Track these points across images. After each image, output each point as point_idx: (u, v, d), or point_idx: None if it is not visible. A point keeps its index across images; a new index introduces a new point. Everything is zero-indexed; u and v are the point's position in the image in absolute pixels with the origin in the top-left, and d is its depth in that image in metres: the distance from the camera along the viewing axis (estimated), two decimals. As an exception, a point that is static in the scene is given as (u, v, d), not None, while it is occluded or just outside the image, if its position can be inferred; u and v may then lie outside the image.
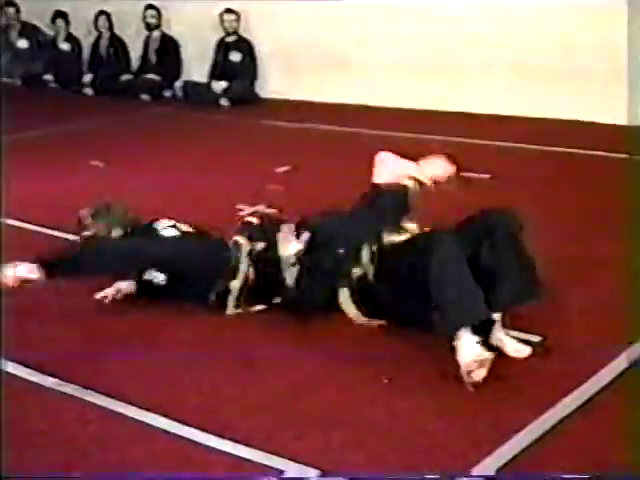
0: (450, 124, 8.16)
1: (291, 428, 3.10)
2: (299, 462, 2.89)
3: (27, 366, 3.61)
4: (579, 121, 7.98)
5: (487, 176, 6.20)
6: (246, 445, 2.99)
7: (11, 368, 3.61)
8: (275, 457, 2.93)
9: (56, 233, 5.33)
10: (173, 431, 3.12)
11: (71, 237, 5.17)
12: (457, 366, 3.32)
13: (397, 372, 3.46)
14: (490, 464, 2.84)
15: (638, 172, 6.17)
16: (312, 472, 2.84)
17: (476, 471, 2.80)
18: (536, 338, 3.69)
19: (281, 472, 2.86)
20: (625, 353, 3.51)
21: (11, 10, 11.71)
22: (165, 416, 3.20)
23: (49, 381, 3.49)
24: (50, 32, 11.59)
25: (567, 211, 5.49)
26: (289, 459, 2.91)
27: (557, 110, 8.13)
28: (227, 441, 3.04)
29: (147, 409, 3.25)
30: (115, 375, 3.56)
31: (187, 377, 3.52)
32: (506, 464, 2.84)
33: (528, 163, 6.83)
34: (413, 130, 7.90)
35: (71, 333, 3.96)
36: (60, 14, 11.35)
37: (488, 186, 5.91)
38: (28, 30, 11.74)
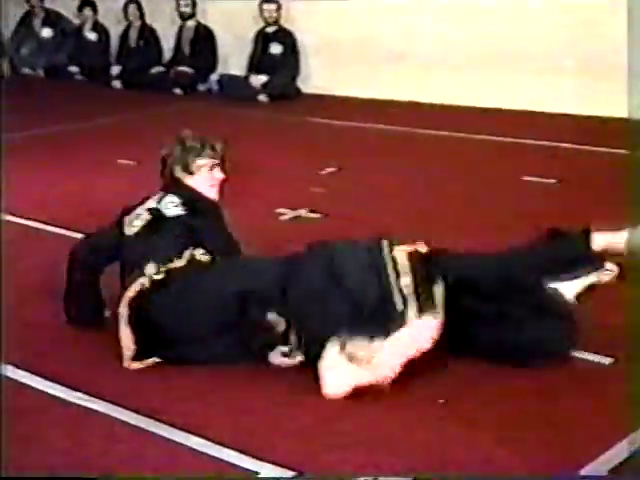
0: (507, 123, 8.12)
1: (335, 451, 3.07)
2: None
3: (49, 379, 3.63)
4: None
5: (553, 181, 6.17)
6: (287, 468, 2.98)
7: (32, 381, 3.63)
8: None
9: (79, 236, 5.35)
10: (207, 451, 3.12)
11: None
12: (521, 388, 3.32)
13: (453, 394, 3.43)
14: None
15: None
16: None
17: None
18: (607, 360, 3.64)
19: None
20: None
21: (33, -5, 11.85)
22: (199, 435, 3.20)
23: (73, 396, 3.50)
24: (76, 21, 11.70)
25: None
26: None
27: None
28: (265, 464, 3.03)
29: (180, 428, 3.25)
30: (145, 390, 3.56)
31: (222, 394, 3.52)
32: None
33: (595, 166, 6.75)
34: (468, 130, 7.88)
35: (97, 345, 3.96)
36: (87, 2, 11.46)
37: (554, 192, 5.87)
38: (52, 18, 11.87)
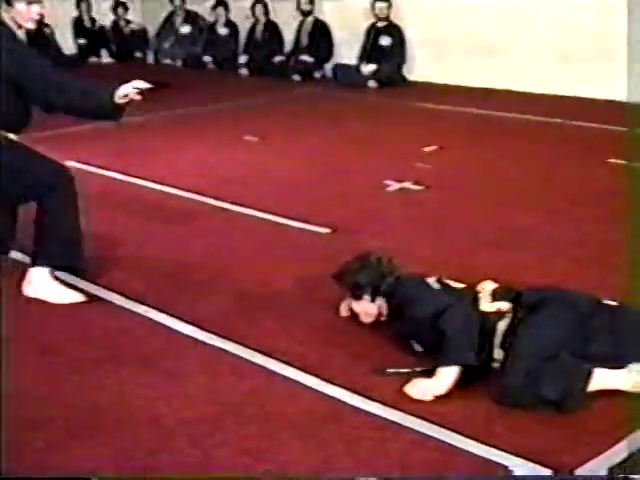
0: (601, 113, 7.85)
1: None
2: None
3: (187, 322, 3.66)
4: None
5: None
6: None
7: (171, 323, 3.67)
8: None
9: (209, 201, 5.40)
10: (321, 389, 3.10)
11: (215, 203, 5.28)
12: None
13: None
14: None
15: None
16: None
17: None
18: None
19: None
20: None
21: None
22: (316, 375, 3.19)
23: (206, 336, 3.53)
24: (210, 18, 11.80)
25: None
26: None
27: None
28: (373, 402, 3.00)
29: (299, 368, 3.25)
30: (270, 333, 3.55)
31: (340, 338, 3.49)
32: None
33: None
34: (559, 116, 7.67)
35: (227, 292, 3.99)
36: (221, 2, 11.56)
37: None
38: (191, 17, 12.02)
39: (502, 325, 3.15)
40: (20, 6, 3.82)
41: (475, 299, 3.24)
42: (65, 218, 3.90)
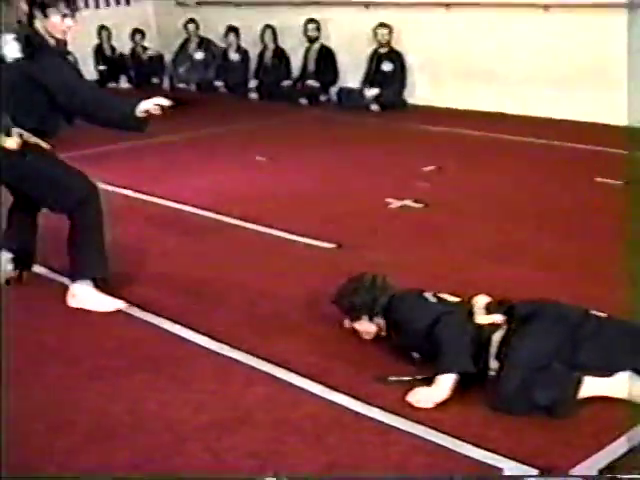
0: (580, 132, 7.86)
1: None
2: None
3: (200, 332, 3.68)
4: None
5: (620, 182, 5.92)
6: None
7: (186, 334, 3.69)
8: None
9: (222, 217, 5.42)
10: (325, 396, 3.12)
11: (228, 220, 5.29)
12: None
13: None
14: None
15: None
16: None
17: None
18: None
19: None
20: None
21: (191, 26, 12.07)
22: (321, 383, 3.20)
23: (218, 346, 3.54)
24: (222, 45, 11.86)
25: None
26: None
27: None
28: (375, 408, 3.02)
29: (305, 376, 3.26)
30: (278, 343, 3.57)
31: (344, 348, 3.49)
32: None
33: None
34: (548, 137, 7.68)
35: (238, 304, 4.01)
36: (232, 29, 11.59)
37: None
38: (204, 43, 12.07)
39: (497, 336, 3.16)
40: (55, 18, 3.93)
41: (470, 312, 3.26)
42: (97, 231, 4.00)
